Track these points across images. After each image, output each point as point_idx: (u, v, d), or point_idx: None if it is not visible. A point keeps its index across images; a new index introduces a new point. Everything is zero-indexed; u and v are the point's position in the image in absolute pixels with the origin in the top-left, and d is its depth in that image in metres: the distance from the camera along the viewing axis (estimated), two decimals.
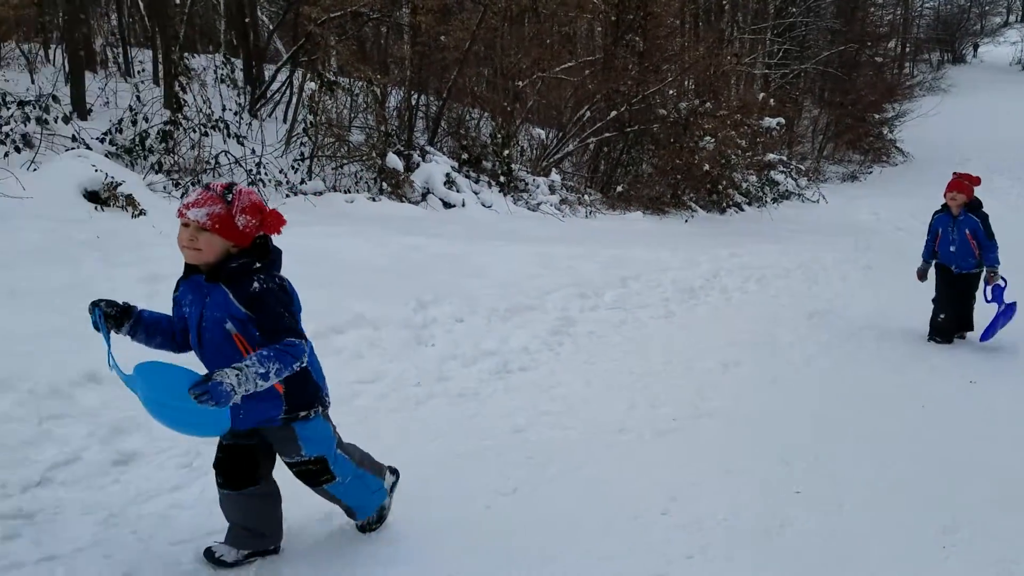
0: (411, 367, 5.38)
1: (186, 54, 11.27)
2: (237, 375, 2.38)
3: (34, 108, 8.53)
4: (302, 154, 10.91)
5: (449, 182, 11.99)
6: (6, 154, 7.83)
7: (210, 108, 10.62)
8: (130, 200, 7.64)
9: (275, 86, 13.43)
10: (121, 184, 7.68)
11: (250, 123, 11.70)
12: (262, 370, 2.45)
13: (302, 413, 2.77)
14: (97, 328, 2.65)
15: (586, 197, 14.39)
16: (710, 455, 4.35)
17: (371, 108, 12.68)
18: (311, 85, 11.00)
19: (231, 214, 2.55)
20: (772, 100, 18.40)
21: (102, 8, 15.47)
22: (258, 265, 2.62)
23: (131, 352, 2.74)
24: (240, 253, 2.61)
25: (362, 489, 3.08)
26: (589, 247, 9.90)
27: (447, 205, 11.73)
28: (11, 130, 8.12)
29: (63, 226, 6.89)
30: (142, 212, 7.58)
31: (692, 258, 10.06)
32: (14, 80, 11.14)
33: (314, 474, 2.89)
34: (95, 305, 2.66)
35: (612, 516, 3.57)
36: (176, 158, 9.37)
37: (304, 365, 2.62)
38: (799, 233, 14.53)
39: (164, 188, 8.57)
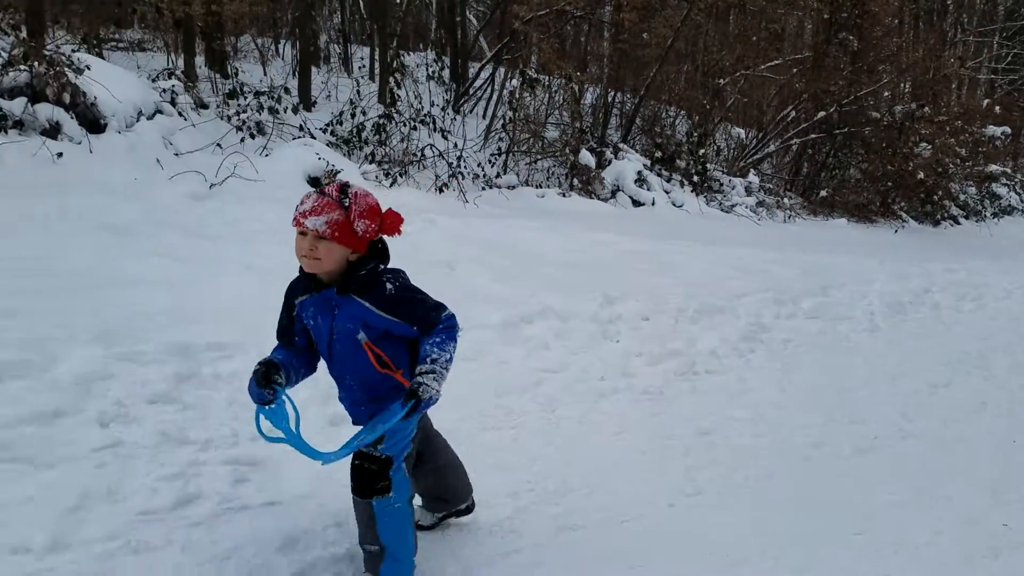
0: (596, 360, 5.42)
1: (401, 52, 11.96)
2: (434, 377, 2.38)
3: (267, 99, 9.41)
4: (499, 149, 11.28)
5: (640, 180, 11.93)
6: (242, 139, 8.69)
7: (419, 103, 11.24)
8: None
9: (478, 83, 13.96)
10: (340, 172, 8.32)
11: (453, 118, 12.24)
12: (446, 355, 2.45)
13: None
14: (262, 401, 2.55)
15: (785, 201, 13.81)
16: (912, 478, 4.07)
17: (567, 105, 12.87)
18: (513, 82, 11.32)
19: (350, 220, 2.40)
20: (997, 107, 16.78)
21: (328, 7, 16.74)
22: (383, 267, 2.54)
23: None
24: (361, 259, 2.48)
25: (402, 530, 2.66)
26: (787, 252, 9.51)
27: (636, 203, 11.68)
28: (247, 118, 9.00)
29: (290, 209, 7.56)
30: None
31: (901, 271, 9.39)
32: (249, 72, 12.36)
33: (372, 476, 2.59)
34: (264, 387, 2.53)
35: (801, 528, 3.44)
36: (387, 149, 9.99)
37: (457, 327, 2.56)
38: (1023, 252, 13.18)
39: (376, 177, 9.17)
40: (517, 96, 11.26)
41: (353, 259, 2.47)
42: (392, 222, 2.52)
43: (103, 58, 9.18)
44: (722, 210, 12.61)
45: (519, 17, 12.20)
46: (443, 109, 11.83)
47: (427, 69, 13.60)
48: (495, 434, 4.21)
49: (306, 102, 10.94)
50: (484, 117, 13.34)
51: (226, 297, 5.12)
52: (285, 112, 9.59)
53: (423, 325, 2.49)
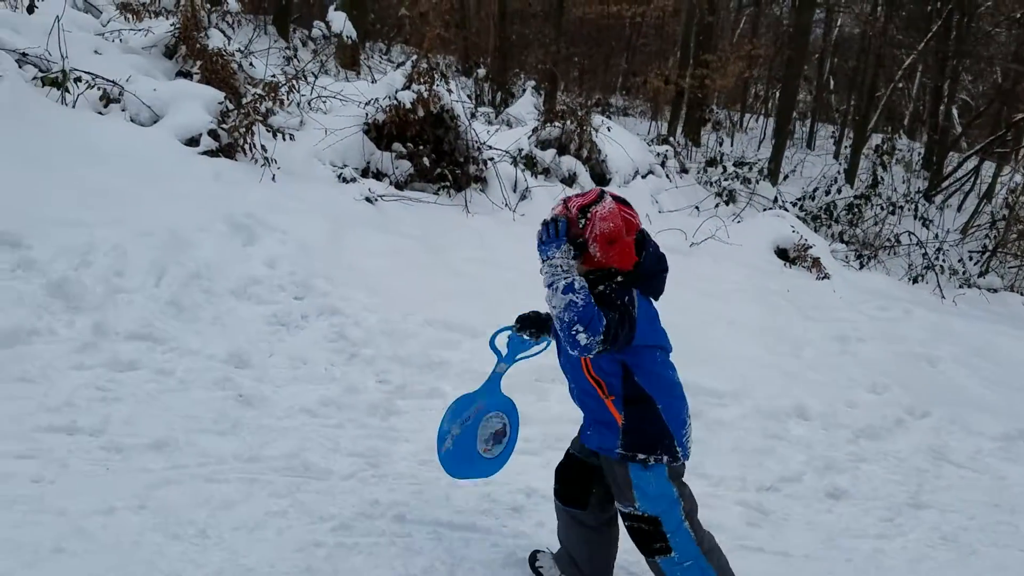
0: None
1: (885, 135, 11.60)
2: (552, 273, 2.26)
3: (744, 169, 9.79)
4: (984, 247, 10.26)
5: None
6: (717, 205, 9.15)
7: (893, 187, 10.76)
8: (816, 263, 8.21)
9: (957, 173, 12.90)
10: (811, 247, 8.31)
11: (926, 207, 11.47)
12: (571, 298, 2.21)
13: (640, 456, 2.39)
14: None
15: None
16: None
17: None
18: (1016, 178, 10.26)
19: (586, 242, 2.32)
20: None
21: (806, 88, 16.85)
22: (619, 279, 2.35)
23: None
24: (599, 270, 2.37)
25: None
26: None
27: None
28: (726, 186, 9.45)
29: (758, 274, 7.78)
30: (826, 276, 8.06)
31: None
32: (718, 141, 12.98)
33: (646, 536, 2.45)
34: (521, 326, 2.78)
35: None
36: (858, 230, 9.72)
37: (596, 347, 2.22)
38: None
39: (845, 257, 8.97)
40: (1016, 195, 10.16)
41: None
42: (621, 258, 2.35)
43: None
44: None
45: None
46: (916, 197, 11.15)
47: (896, 154, 12.98)
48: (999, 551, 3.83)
49: (776, 175, 11.13)
50: (959, 210, 12.27)
51: (715, 348, 5.42)
52: (758, 183, 9.88)
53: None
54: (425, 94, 6.98)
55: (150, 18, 7.39)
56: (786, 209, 9.47)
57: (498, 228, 6.87)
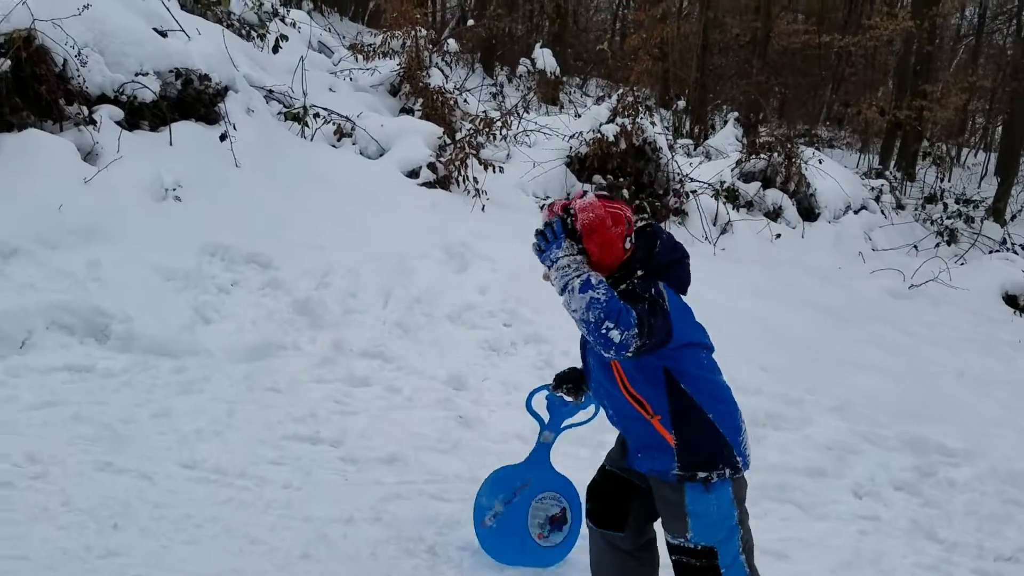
0: None
1: None
2: (563, 274, 2.09)
3: (966, 207, 9.03)
4: None
5: None
6: (937, 244, 8.49)
7: None
8: None
9: None
10: None
11: None
12: (579, 281, 2.05)
13: (701, 474, 2.13)
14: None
15: None
16: None
17: None
18: None
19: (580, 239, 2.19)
20: None
21: None
22: (639, 273, 2.18)
23: None
24: (620, 267, 2.22)
25: None
26: None
27: None
28: (948, 224, 8.76)
29: (986, 322, 7.14)
30: None
31: None
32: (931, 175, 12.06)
33: (695, 572, 2.17)
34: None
35: None
36: None
37: (634, 342, 2.01)
38: None
39: None
40: None
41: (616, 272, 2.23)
42: (608, 245, 2.20)
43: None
44: None
45: None
46: None
47: None
48: None
49: (1002, 214, 10.18)
50: None
51: (944, 401, 5.01)
52: (983, 222, 9.08)
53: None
54: (629, 127, 7.04)
55: (378, 59, 7.97)
56: (1016, 252, 8.62)
57: (698, 262, 6.74)
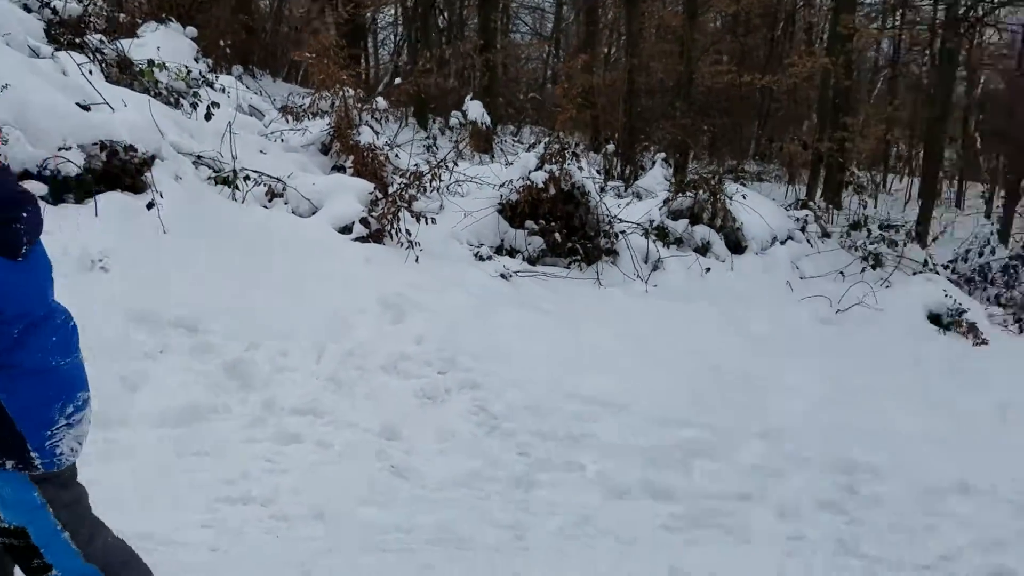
0: None
1: None
2: None
3: (891, 232, 9.40)
4: None
5: None
6: (863, 269, 8.80)
7: None
8: (972, 328, 7.74)
9: None
10: (966, 311, 7.85)
11: None
12: None
13: None
14: None
15: None
16: None
17: None
18: None
19: None
20: None
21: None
22: None
23: None
24: None
25: None
26: None
27: None
28: (872, 249, 9.10)
29: (911, 341, 7.41)
30: (983, 341, 7.58)
31: None
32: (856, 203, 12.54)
33: (19, 553, 2.14)
34: None
35: None
36: (1016, 292, 9.08)
37: None
38: None
39: (1003, 321, 8.40)
40: None
41: None
42: None
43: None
44: None
45: None
46: None
47: None
48: None
49: (924, 237, 10.63)
50: None
51: (872, 423, 5.19)
52: (905, 246, 9.45)
53: None
54: (556, 173, 7.24)
55: (308, 119, 8.09)
56: (937, 272, 8.99)
57: (631, 299, 6.94)
